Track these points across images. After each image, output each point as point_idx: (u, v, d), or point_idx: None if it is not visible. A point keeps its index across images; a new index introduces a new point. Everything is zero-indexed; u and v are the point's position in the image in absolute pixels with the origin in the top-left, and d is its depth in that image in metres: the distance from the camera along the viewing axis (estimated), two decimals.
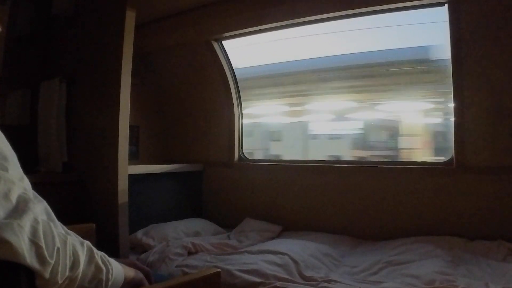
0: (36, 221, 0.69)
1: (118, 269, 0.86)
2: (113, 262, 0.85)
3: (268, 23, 2.84)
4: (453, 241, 2.26)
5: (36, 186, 0.84)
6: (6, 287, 0.66)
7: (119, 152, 2.27)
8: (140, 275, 0.97)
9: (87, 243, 0.80)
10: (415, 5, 2.42)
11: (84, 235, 0.87)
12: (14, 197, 0.69)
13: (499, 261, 1.97)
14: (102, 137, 2.38)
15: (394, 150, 3.33)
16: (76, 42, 2.60)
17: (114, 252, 2.15)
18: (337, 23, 2.82)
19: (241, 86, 3.39)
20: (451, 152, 2.47)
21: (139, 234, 2.63)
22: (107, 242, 2.12)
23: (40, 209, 0.80)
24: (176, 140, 3.70)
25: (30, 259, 0.65)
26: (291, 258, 2.06)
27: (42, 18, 2.74)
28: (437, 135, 3.10)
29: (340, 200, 2.80)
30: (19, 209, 0.68)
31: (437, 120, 3.07)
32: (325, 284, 1.82)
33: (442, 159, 2.61)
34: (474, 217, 2.34)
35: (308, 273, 1.96)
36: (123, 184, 2.29)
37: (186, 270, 2.12)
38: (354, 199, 2.75)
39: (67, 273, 0.72)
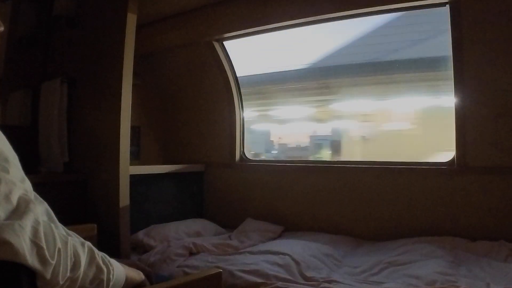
0: (37, 222, 0.69)
1: (119, 270, 0.86)
2: (114, 262, 0.86)
3: (269, 24, 2.83)
4: (454, 242, 2.26)
5: (37, 187, 0.84)
6: (7, 287, 0.66)
7: (120, 153, 2.27)
8: (142, 275, 0.97)
9: (88, 243, 0.80)
10: (416, 6, 2.42)
11: (85, 236, 0.87)
12: (15, 198, 0.69)
13: (500, 262, 1.96)
14: (103, 138, 2.38)
15: None
16: (77, 42, 2.60)
17: (115, 252, 2.15)
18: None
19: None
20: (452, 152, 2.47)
21: (141, 234, 2.63)
22: (108, 243, 2.12)
23: (41, 210, 0.80)
24: (177, 140, 3.70)
25: (31, 259, 0.65)
26: (293, 259, 2.06)
27: (43, 19, 2.74)
28: None
29: (342, 200, 2.80)
30: (20, 210, 0.68)
31: None
32: (326, 285, 1.81)
33: (443, 159, 2.60)
34: (475, 218, 2.33)
35: (309, 274, 1.96)
36: (124, 185, 2.29)
37: (187, 270, 2.12)
38: (355, 199, 2.75)
39: (68, 274, 0.72)
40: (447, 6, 2.32)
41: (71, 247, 0.74)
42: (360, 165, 2.86)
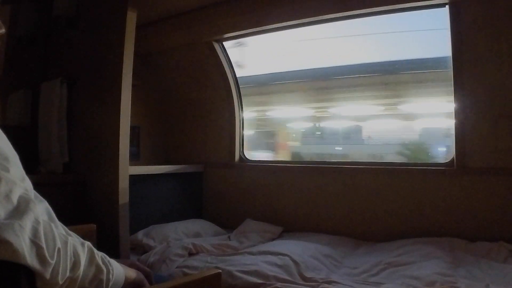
0: (37, 221, 0.69)
1: (118, 270, 0.87)
2: (113, 262, 0.86)
3: (269, 24, 2.84)
4: (454, 242, 2.26)
5: (37, 187, 0.84)
6: (7, 287, 0.66)
7: (119, 153, 2.27)
8: (141, 275, 0.97)
9: (87, 243, 0.80)
10: (416, 6, 2.42)
11: (84, 236, 0.87)
12: (15, 198, 0.69)
13: (499, 262, 1.96)
14: (103, 138, 2.38)
15: None
16: (77, 43, 2.60)
17: (114, 252, 2.15)
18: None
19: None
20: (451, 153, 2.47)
21: (140, 234, 2.64)
22: (108, 243, 2.12)
23: (41, 209, 0.80)
24: (177, 140, 3.71)
25: (30, 259, 0.65)
26: (292, 259, 2.06)
27: (43, 19, 2.74)
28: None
29: (341, 201, 2.80)
30: (20, 209, 0.68)
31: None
32: (326, 285, 1.82)
33: (443, 160, 2.61)
34: (475, 218, 2.34)
35: (308, 274, 1.96)
36: (123, 185, 2.29)
37: (187, 271, 2.12)
38: (354, 200, 2.75)
39: (67, 274, 0.72)
40: (447, 6, 2.32)
41: (71, 247, 0.74)
42: (359, 166, 2.86)
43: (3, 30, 0.84)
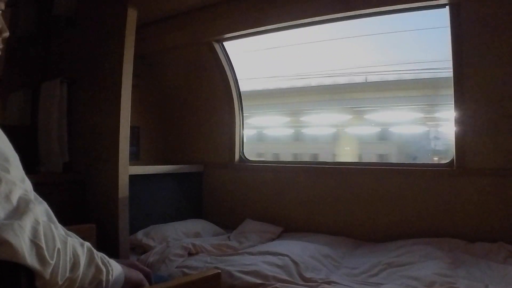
0: (36, 222, 0.69)
1: (118, 270, 0.87)
2: (113, 263, 0.86)
3: (269, 24, 2.83)
4: (453, 243, 2.26)
5: (36, 187, 0.84)
6: (6, 287, 0.66)
7: (119, 153, 2.27)
8: (140, 275, 0.97)
9: (87, 244, 0.81)
10: (416, 7, 2.42)
11: (84, 236, 0.87)
12: (15, 198, 0.69)
13: (499, 263, 1.96)
14: (103, 138, 2.38)
15: None
16: (77, 42, 2.60)
17: (114, 252, 2.15)
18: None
19: None
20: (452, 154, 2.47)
21: (139, 234, 2.64)
22: (107, 243, 2.12)
23: (40, 210, 0.80)
24: (177, 140, 3.70)
25: (30, 259, 0.65)
26: (291, 260, 2.06)
27: (43, 19, 2.74)
28: None
29: (341, 201, 2.80)
30: (19, 210, 0.68)
31: None
32: (325, 286, 1.82)
33: (443, 161, 2.61)
34: (474, 219, 2.34)
35: (308, 275, 1.96)
36: (123, 185, 2.29)
37: (186, 271, 2.12)
38: (354, 200, 2.75)
39: (67, 274, 0.72)
40: (447, 7, 2.33)
41: (71, 248, 0.74)
42: (359, 166, 2.86)
43: (7, 33, 0.85)
